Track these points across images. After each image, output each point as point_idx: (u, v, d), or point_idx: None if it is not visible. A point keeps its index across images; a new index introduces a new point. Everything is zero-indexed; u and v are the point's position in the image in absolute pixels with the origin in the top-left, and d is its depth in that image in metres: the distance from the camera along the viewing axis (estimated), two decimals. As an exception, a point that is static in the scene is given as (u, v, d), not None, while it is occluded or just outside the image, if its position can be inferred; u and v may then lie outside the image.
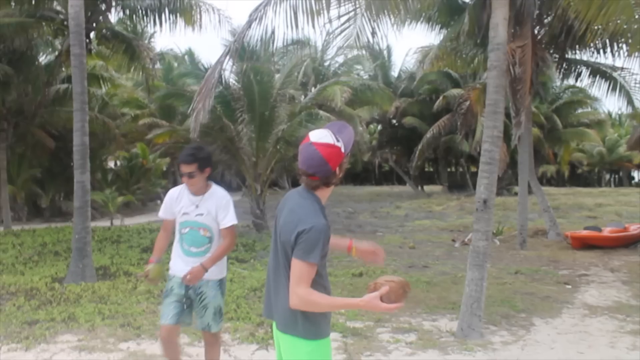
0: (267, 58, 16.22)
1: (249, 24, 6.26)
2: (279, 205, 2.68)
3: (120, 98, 23.82)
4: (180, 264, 4.04)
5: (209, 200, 3.98)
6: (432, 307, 7.08)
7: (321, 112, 15.95)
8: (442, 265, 10.22)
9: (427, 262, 10.59)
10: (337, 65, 28.68)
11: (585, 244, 11.88)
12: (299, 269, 2.40)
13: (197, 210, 3.97)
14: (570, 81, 16.35)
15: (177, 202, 4.05)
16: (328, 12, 6.35)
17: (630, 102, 13.99)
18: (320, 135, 2.46)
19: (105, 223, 17.40)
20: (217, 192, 4.04)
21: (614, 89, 13.57)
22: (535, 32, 11.58)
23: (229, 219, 3.99)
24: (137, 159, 23.38)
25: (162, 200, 18.26)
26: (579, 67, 13.38)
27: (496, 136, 5.92)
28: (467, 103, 16.12)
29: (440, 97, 25.78)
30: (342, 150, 2.48)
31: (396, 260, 10.74)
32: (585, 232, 12.27)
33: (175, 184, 28.92)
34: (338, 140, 2.46)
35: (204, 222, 4.00)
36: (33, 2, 12.67)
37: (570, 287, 8.43)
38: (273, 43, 7.03)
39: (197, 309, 4.07)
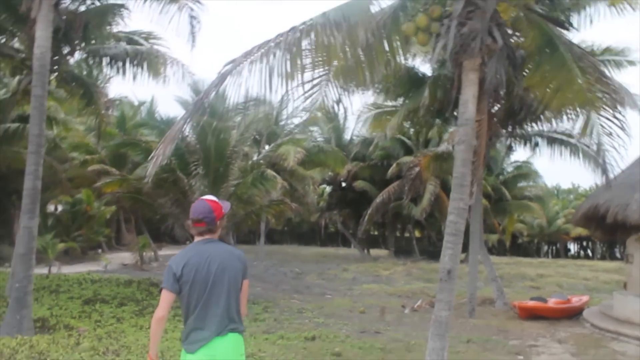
0: (224, 114, 16.26)
1: (222, 78, 6.26)
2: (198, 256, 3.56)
3: (70, 142, 23.22)
4: None
5: None
6: (385, 376, 6.97)
7: (269, 171, 15.96)
8: (394, 332, 10.16)
9: (379, 328, 10.50)
10: (292, 125, 29.01)
11: (531, 314, 12.11)
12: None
13: None
14: (527, 152, 16.88)
15: None
16: (302, 76, 6.44)
17: (596, 163, 14.25)
18: (208, 196, 3.69)
19: (43, 270, 16.56)
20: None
21: (575, 154, 13.99)
22: (490, 107, 12.12)
23: None
24: (81, 205, 22.60)
25: (103, 250, 17.57)
26: (534, 138, 14.04)
27: (462, 208, 6.05)
28: (417, 169, 16.49)
29: (394, 164, 26.32)
30: (222, 209, 3.63)
31: (347, 325, 10.61)
32: (532, 303, 12.51)
33: (119, 233, 28.16)
34: (221, 202, 3.66)
35: None
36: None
37: (522, 357, 8.50)
38: (245, 101, 7.06)
39: None
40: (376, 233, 39.50)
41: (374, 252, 32.73)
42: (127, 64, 12.78)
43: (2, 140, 16.92)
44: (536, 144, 14.38)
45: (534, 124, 13.07)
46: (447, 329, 5.96)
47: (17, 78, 13.76)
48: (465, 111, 6.12)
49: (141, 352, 7.40)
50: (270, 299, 13.66)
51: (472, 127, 6.20)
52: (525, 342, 9.77)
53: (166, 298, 3.43)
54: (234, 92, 6.24)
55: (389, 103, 15.47)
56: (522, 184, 30.70)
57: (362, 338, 9.38)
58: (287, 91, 6.42)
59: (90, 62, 13.40)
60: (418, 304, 13.52)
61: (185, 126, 6.98)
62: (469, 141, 6.17)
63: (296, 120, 28.58)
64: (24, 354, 7.11)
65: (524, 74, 8.73)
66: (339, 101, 7.37)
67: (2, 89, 16.85)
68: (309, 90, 6.92)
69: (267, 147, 23.17)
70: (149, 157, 6.59)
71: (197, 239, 3.60)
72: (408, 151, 26.90)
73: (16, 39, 12.63)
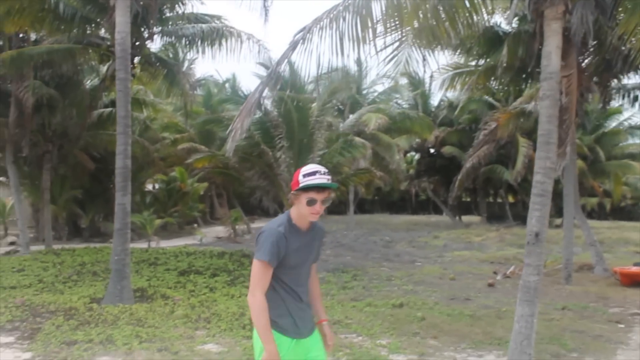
0: (305, 86, 16.30)
1: (293, 46, 6.20)
2: None
3: (160, 122, 24.22)
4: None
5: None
6: (477, 343, 6.80)
7: (357, 139, 15.89)
8: (484, 299, 9.88)
9: (469, 295, 10.25)
10: (375, 94, 28.69)
11: (635, 281, 11.37)
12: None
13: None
14: (626, 107, 15.74)
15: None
16: (374, 40, 6.24)
17: None
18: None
19: (143, 245, 17.50)
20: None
21: None
22: (581, 60, 11.33)
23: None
24: (175, 183, 23.64)
25: (198, 224, 18.31)
26: (633, 92, 13.05)
27: (549, 167, 5.70)
28: (493, 125, 15.75)
29: (482, 126, 25.39)
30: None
31: (437, 292, 10.45)
32: (635, 269, 11.74)
33: (212, 208, 29.27)
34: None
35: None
36: (81, 30, 13.02)
37: (623, 326, 8.02)
38: (318, 69, 6.97)
39: None
40: (468, 199, 38.55)
41: (465, 218, 32.00)
42: (204, 43, 13.08)
43: (97, 125, 17.96)
44: (635, 98, 13.34)
45: (632, 76, 12.11)
46: (536, 295, 5.68)
47: (106, 65, 14.47)
48: (548, 64, 5.72)
49: (230, 320, 7.66)
50: (359, 267, 13.70)
51: (556, 81, 5.78)
52: (627, 310, 9.18)
53: None
54: (305, 60, 6.16)
55: (471, 63, 14.87)
56: (622, 142, 28.77)
57: (451, 305, 9.20)
58: (360, 56, 6.27)
59: (170, 42, 13.81)
60: (510, 270, 13.07)
61: (260, 98, 7.02)
62: (554, 96, 5.76)
63: (379, 88, 28.26)
64: (124, 320, 7.57)
65: (617, 21, 8.09)
66: (424, 60, 7.10)
67: (94, 77, 17.78)
68: (387, 54, 6.72)
69: (350, 116, 23.04)
70: (227, 132, 6.70)
71: None
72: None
73: (102, 29, 13.27)
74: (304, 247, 3.07)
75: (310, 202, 2.93)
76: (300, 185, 2.94)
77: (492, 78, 12.92)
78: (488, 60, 12.46)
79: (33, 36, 15.41)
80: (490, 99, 25.84)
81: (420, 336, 7.06)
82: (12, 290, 9.76)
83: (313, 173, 2.95)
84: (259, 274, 2.92)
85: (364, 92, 28.19)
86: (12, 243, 18.64)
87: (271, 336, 2.88)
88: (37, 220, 20.56)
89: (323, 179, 2.93)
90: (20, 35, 14.87)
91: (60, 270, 12.03)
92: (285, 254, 2.95)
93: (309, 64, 6.27)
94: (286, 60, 6.54)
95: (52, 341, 6.48)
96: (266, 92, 7.34)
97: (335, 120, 19.76)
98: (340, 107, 24.46)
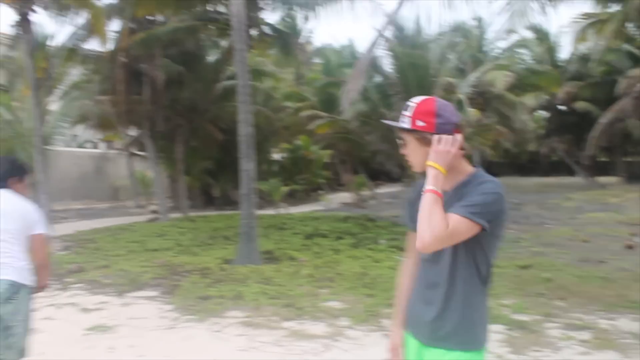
0: (422, 45, 15.93)
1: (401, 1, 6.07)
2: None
3: (282, 92, 24.87)
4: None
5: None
6: (609, 305, 6.41)
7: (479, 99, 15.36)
8: (620, 261, 9.26)
9: (603, 257, 9.65)
10: (498, 51, 27.35)
11: None
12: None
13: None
14: None
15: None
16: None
17: None
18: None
19: (271, 211, 18.27)
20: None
21: None
22: None
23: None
24: (300, 151, 24.31)
25: (324, 191, 18.71)
26: None
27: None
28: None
29: (621, 79, 23.34)
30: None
31: (567, 254, 9.95)
32: None
33: (337, 174, 29.81)
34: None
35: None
36: (201, 7, 13.64)
37: None
38: (430, 25, 6.82)
39: None
40: (604, 159, 35.90)
41: (601, 179, 29.90)
42: (319, 8, 13.16)
43: (223, 97, 18.85)
44: None
45: None
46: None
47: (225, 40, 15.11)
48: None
49: (353, 279, 7.85)
50: (483, 230, 13.35)
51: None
52: None
53: None
54: (413, 14, 6.03)
55: (608, 10, 13.69)
56: None
57: (582, 267, 8.74)
58: (473, 10, 6.03)
59: (287, 11, 14.05)
60: (653, 231, 12.12)
61: (373, 58, 7.02)
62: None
63: (502, 44, 26.94)
64: (253, 279, 8.03)
65: None
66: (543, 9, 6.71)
67: (216, 52, 18.61)
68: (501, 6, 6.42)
69: (473, 76, 22.21)
70: (342, 93, 6.79)
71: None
72: (637, 62, 23.64)
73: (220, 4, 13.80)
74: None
75: None
76: None
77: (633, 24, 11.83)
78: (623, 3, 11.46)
79: (160, 18, 16.42)
80: (630, 47, 23.67)
81: (546, 297, 6.80)
82: (154, 252, 10.68)
83: None
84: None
85: (485, 49, 26.98)
86: (153, 211, 20.23)
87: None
88: (174, 191, 22.14)
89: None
90: (149, 17, 15.91)
91: (195, 235, 12.94)
92: None
93: (421, 21, 6.15)
94: (396, 18, 6.46)
95: (189, 296, 7.06)
96: (380, 51, 7.31)
97: (458, 79, 19.15)
98: (461, 66, 23.64)
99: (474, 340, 2.14)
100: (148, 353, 5.01)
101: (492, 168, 40.95)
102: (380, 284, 7.40)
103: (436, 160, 2.03)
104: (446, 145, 2.04)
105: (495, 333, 5.23)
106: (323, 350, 5.02)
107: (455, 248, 2.06)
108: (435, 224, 1.92)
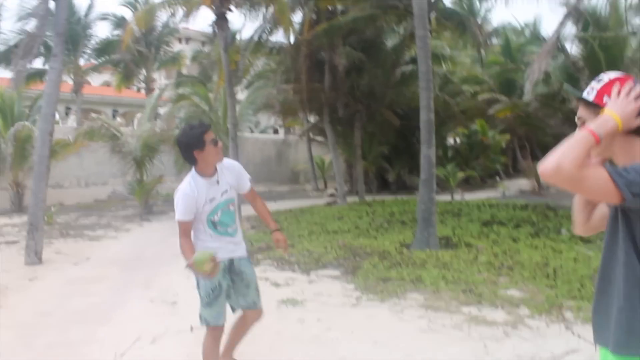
0: (615, 24, 14.57)
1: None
2: None
3: (459, 75, 24.36)
4: (223, 249, 3.73)
5: (224, 173, 3.78)
6: None
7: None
8: None
9: None
10: None
11: None
12: None
13: (220, 188, 3.73)
14: None
15: (197, 196, 3.66)
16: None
17: None
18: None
19: (446, 197, 18.13)
20: (226, 163, 3.81)
21: None
22: None
23: (248, 180, 3.93)
24: (476, 136, 23.70)
25: (501, 177, 18.21)
26: None
27: None
28: None
29: None
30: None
31: None
32: None
33: (515, 160, 28.56)
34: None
35: (230, 196, 3.83)
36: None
37: None
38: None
39: (239, 289, 3.90)
40: None
41: None
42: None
43: (400, 82, 19.03)
44: None
45: None
46: None
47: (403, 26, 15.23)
48: None
49: (533, 269, 7.59)
50: None
51: None
52: None
53: None
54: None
55: None
56: None
57: None
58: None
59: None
60: None
61: (559, 39, 6.68)
62: None
63: None
64: (431, 263, 8.13)
65: None
66: None
67: (394, 38, 18.77)
68: None
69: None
70: (525, 75, 6.56)
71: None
72: None
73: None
74: None
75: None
76: None
77: None
78: None
79: (340, 8, 17.02)
80: None
81: None
82: (334, 234, 11.23)
83: None
84: None
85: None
86: (331, 195, 21.16)
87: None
88: (351, 175, 22.91)
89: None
90: (330, 8, 16.58)
91: (372, 219, 13.33)
92: None
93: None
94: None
95: (370, 277, 7.36)
96: (567, 31, 6.93)
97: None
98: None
99: None
100: (334, 327, 5.36)
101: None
102: (562, 276, 7.08)
103: (614, 109, 1.71)
104: (631, 96, 1.72)
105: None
106: (503, 337, 4.98)
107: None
108: (572, 156, 1.59)
